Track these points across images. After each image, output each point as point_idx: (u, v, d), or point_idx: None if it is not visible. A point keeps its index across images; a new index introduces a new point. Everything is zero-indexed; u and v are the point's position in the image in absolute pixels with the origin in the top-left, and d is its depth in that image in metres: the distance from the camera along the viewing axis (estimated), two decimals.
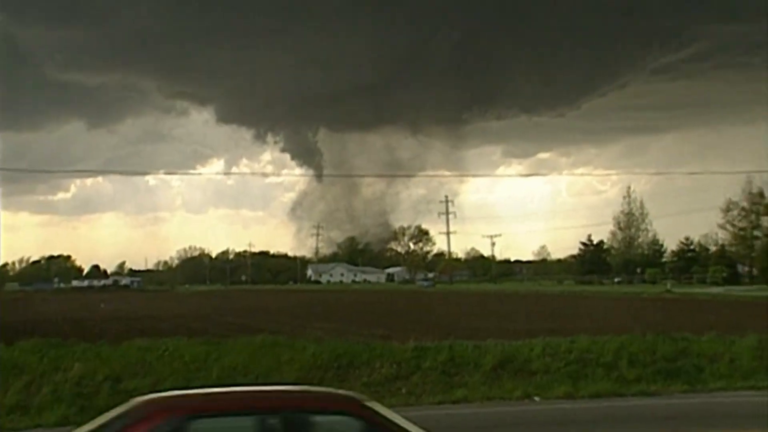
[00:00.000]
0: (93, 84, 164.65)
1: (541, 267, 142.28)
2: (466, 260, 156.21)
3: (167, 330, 26.88)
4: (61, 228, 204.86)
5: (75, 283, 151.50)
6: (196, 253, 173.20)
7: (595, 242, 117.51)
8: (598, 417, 14.54)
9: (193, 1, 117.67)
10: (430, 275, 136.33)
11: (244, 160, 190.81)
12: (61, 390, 15.88)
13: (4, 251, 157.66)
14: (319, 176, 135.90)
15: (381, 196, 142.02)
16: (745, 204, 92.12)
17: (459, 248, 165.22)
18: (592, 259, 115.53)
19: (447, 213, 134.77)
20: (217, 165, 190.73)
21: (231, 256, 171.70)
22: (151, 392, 6.23)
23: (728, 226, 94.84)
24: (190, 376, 16.76)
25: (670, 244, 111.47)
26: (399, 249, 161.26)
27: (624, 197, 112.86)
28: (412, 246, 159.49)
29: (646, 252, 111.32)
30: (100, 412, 15.32)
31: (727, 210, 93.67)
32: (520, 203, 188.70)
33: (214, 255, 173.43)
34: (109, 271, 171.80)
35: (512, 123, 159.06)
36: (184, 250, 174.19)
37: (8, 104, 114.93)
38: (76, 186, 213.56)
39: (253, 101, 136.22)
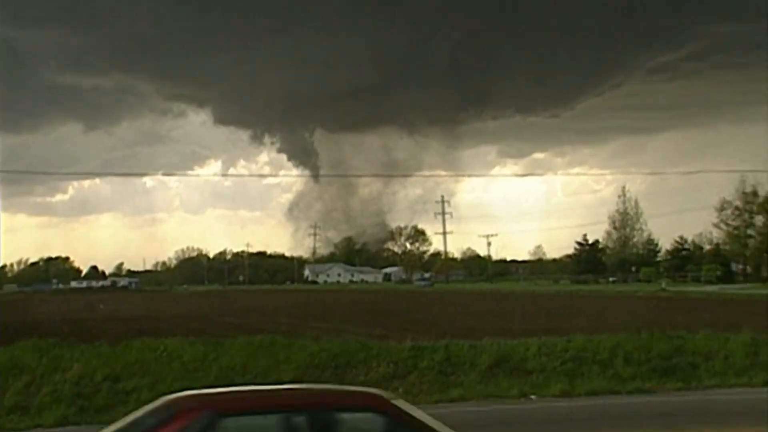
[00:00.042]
0: (90, 86, 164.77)
1: (537, 266, 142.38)
2: (462, 260, 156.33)
3: (166, 330, 26.99)
4: (59, 229, 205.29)
5: (73, 284, 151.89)
6: (194, 254, 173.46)
7: (590, 242, 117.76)
8: (595, 415, 14.61)
9: (189, 3, 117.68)
10: (427, 275, 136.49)
11: (242, 161, 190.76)
12: (60, 390, 15.95)
13: (2, 253, 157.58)
14: (315, 177, 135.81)
15: (377, 196, 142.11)
16: (738, 203, 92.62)
17: (455, 248, 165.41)
18: (588, 258, 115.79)
19: (443, 213, 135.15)
20: (214, 166, 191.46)
21: (229, 257, 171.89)
22: (174, 392, 6.25)
23: (722, 225, 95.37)
24: (189, 376, 16.83)
25: (665, 243, 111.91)
26: (396, 249, 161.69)
27: (619, 197, 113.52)
28: (408, 246, 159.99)
29: (641, 251, 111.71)
30: (99, 412, 15.49)
31: (721, 209, 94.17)
32: (515, 203, 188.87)
33: (211, 255, 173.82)
34: (107, 272, 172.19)
35: (508, 123, 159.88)
36: (182, 250, 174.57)
37: (6, 106, 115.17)
38: (74, 188, 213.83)
39: (249, 103, 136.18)
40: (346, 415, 5.90)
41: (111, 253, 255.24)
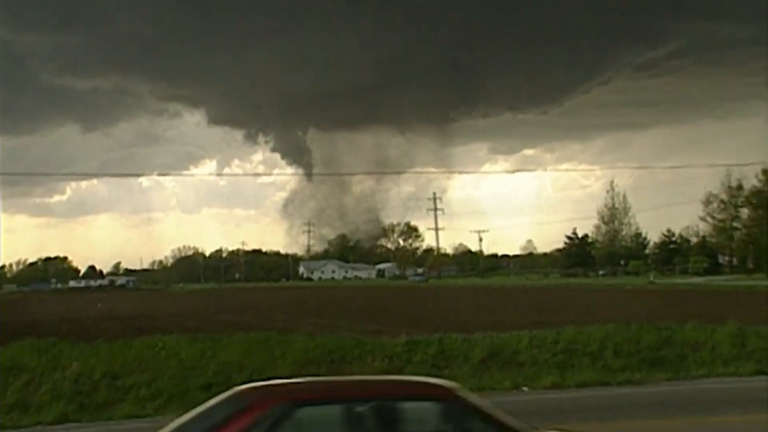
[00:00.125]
0: (87, 88, 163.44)
1: (528, 261, 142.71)
2: (454, 255, 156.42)
3: (163, 328, 27.10)
4: (57, 230, 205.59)
5: (72, 283, 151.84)
6: (190, 253, 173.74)
7: (579, 236, 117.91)
8: (586, 406, 14.75)
9: (185, 5, 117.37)
10: (420, 270, 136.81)
11: (236, 161, 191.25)
12: (59, 388, 16.12)
13: (2, 253, 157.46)
14: (309, 175, 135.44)
15: (370, 193, 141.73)
16: (724, 197, 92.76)
17: (447, 244, 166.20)
18: (577, 252, 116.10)
19: (435, 209, 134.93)
20: (209, 166, 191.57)
21: (224, 255, 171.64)
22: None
23: (708, 218, 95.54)
24: (186, 373, 17.03)
25: (653, 237, 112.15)
26: (389, 245, 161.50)
27: (607, 191, 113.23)
28: (401, 242, 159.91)
29: (629, 245, 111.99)
30: (98, 409, 15.69)
31: (707, 203, 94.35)
32: (506, 199, 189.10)
33: (207, 254, 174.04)
34: (105, 272, 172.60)
35: (498, 120, 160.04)
36: (179, 249, 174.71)
37: (5, 108, 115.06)
38: (71, 188, 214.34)
39: (243, 103, 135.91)
40: (412, 404, 6.17)
41: (109, 252, 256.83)
